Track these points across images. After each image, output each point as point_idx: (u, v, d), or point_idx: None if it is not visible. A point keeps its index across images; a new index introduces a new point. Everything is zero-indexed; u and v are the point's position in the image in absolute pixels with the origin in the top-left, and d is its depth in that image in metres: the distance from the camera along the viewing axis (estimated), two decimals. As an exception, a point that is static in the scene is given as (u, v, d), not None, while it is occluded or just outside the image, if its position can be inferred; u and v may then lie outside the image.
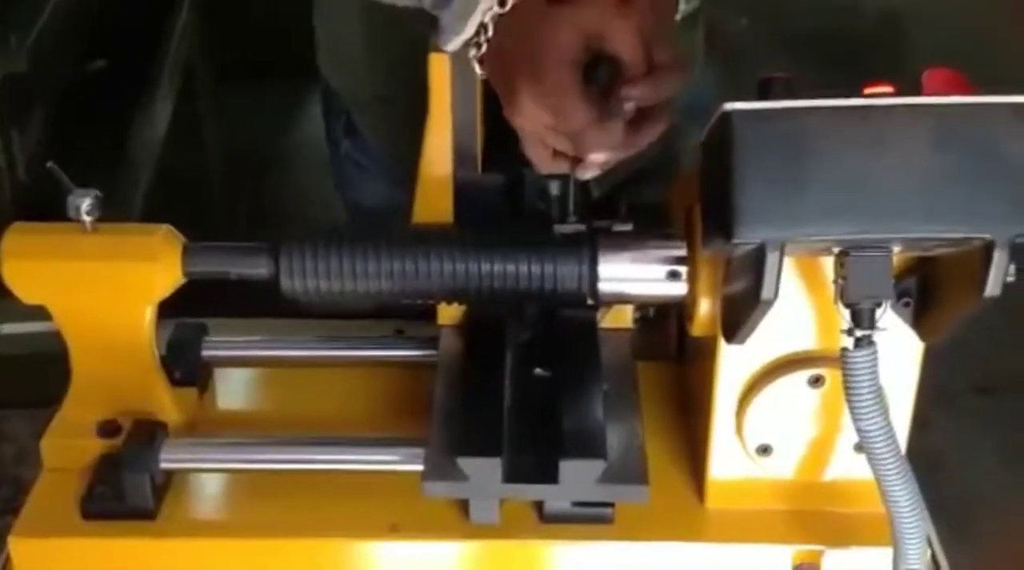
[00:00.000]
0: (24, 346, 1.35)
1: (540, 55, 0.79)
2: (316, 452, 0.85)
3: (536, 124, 0.82)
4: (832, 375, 0.80)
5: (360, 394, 0.96)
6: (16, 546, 0.84)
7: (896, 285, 0.75)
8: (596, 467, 0.79)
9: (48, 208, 0.85)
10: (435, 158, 0.89)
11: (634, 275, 0.84)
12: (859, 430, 0.75)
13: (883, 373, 0.75)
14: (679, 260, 0.84)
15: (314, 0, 1.19)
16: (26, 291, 0.85)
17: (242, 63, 2.69)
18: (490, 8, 0.80)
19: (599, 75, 0.81)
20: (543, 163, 0.85)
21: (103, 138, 1.78)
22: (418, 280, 0.84)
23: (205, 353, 0.95)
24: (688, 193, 0.82)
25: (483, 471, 0.79)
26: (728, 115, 0.67)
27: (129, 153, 1.87)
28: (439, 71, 0.86)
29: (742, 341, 0.77)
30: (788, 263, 0.74)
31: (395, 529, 0.84)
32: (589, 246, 0.84)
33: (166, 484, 0.86)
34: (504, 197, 0.91)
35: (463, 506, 0.84)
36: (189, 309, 0.94)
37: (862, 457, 0.77)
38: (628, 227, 0.86)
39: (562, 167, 0.85)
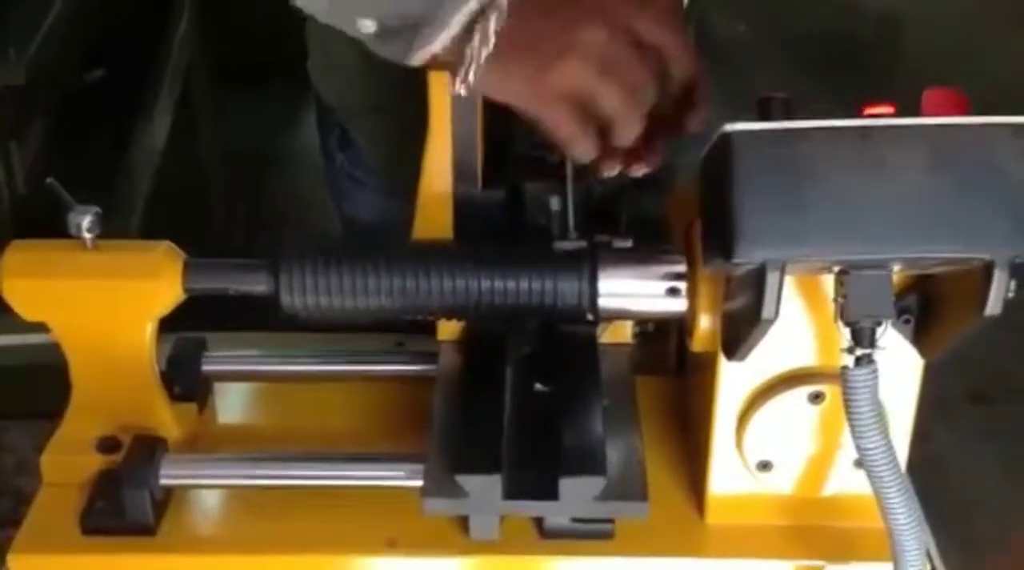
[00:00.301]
0: (23, 357, 1.35)
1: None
2: (315, 468, 0.85)
3: (588, 80, 0.76)
4: (832, 391, 0.80)
5: (360, 409, 0.96)
6: (16, 562, 0.84)
7: (897, 302, 0.76)
8: (596, 484, 0.79)
9: (47, 220, 0.85)
10: (435, 174, 0.89)
11: (634, 291, 0.84)
12: (859, 447, 0.75)
13: (883, 389, 0.75)
14: (679, 276, 0.84)
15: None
16: (26, 309, 0.85)
17: (241, 67, 2.70)
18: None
19: None
20: (575, 139, 0.79)
21: (103, 147, 1.78)
22: (418, 297, 0.84)
23: (205, 368, 0.95)
24: (687, 207, 0.82)
25: (483, 488, 0.79)
26: (728, 136, 0.67)
27: (129, 160, 1.88)
28: (439, 87, 0.86)
29: (742, 358, 0.77)
30: (789, 280, 0.74)
31: (393, 544, 0.84)
32: (589, 262, 0.84)
33: (166, 500, 0.86)
34: (504, 213, 0.91)
35: (462, 521, 0.84)
36: (188, 321, 0.94)
37: (862, 472, 0.78)
38: (628, 243, 0.86)
39: (590, 146, 0.80)
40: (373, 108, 1.13)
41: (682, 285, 0.83)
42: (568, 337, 0.90)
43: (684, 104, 0.83)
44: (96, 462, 0.87)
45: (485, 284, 0.83)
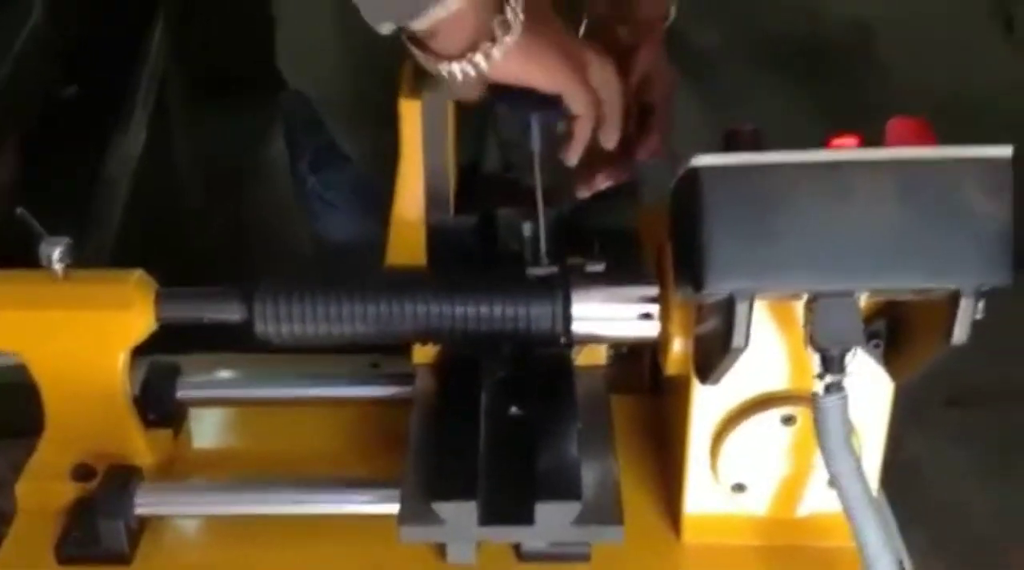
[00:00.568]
0: (-2, 377, 1.34)
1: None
2: (291, 496, 0.85)
3: (597, 72, 0.87)
4: (804, 414, 0.81)
5: (336, 432, 0.97)
6: (-9, 591, 0.84)
7: (866, 327, 0.76)
8: (572, 509, 0.79)
9: (23, 242, 0.85)
10: (407, 203, 0.89)
11: (607, 316, 0.85)
12: (830, 472, 0.76)
13: (854, 409, 0.76)
14: (651, 300, 0.84)
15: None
16: (-2, 340, 0.85)
17: (216, 77, 2.68)
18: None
19: None
20: (594, 108, 0.87)
21: (78, 162, 1.77)
22: (392, 324, 0.84)
23: (179, 394, 0.95)
24: (658, 225, 0.82)
25: (459, 515, 0.79)
26: (695, 170, 0.67)
27: (105, 173, 1.87)
28: (410, 115, 0.86)
29: (715, 382, 0.78)
30: (761, 305, 0.74)
31: (372, 570, 0.84)
32: (562, 288, 0.85)
33: (141, 528, 0.86)
34: (477, 238, 0.91)
35: (439, 546, 0.85)
36: (162, 342, 0.94)
37: (835, 492, 0.78)
38: (600, 267, 0.87)
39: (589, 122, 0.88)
40: (350, 95, 1.11)
41: (654, 309, 0.84)
42: (543, 360, 0.90)
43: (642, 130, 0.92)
44: (71, 490, 0.87)
45: (459, 311, 0.84)
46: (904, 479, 0.95)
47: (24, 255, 0.85)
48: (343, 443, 0.96)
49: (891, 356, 0.78)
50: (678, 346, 0.82)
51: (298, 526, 0.86)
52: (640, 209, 0.96)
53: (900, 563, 0.83)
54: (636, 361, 0.98)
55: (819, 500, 0.85)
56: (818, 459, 0.79)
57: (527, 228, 0.88)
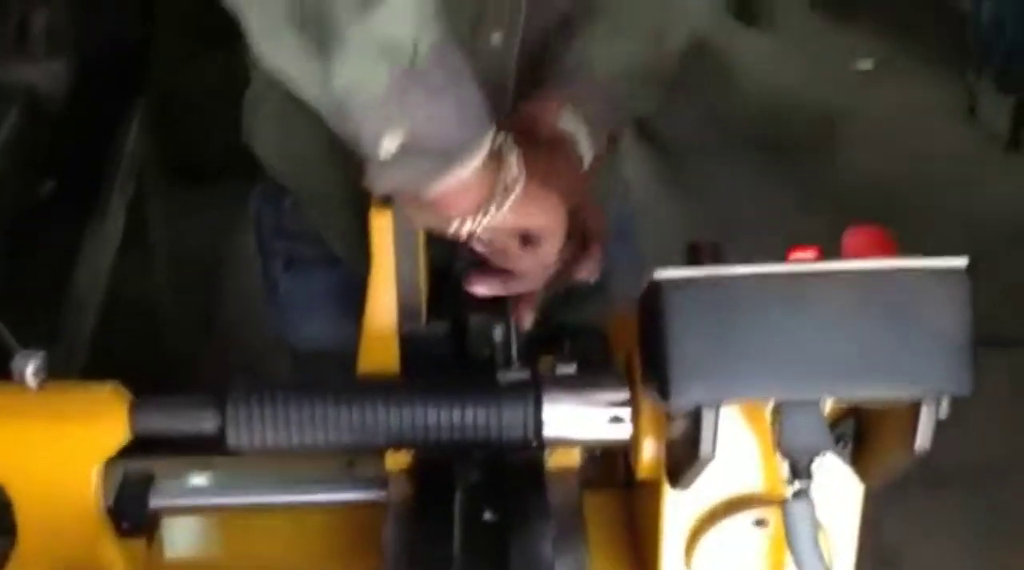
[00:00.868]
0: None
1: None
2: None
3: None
4: (776, 516, 0.81)
5: (311, 538, 0.96)
6: None
7: (833, 428, 0.77)
8: (546, 615, 0.79)
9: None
10: (378, 311, 0.90)
11: (578, 420, 0.86)
12: (802, 576, 0.76)
13: (825, 509, 0.77)
14: (622, 403, 0.85)
15: (247, 105, 1.15)
16: (-29, 453, 0.85)
17: (191, 166, 2.71)
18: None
19: None
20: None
21: (54, 257, 1.78)
22: (365, 433, 0.84)
23: (152, 503, 0.95)
24: (627, 328, 0.83)
25: (434, 623, 0.79)
26: (658, 284, 0.68)
27: (80, 271, 1.87)
28: (381, 228, 0.87)
29: (686, 487, 0.79)
30: (731, 410, 0.75)
31: None
32: (533, 392, 0.86)
33: (115, 640, 0.86)
34: (448, 345, 0.92)
35: (416, 652, 0.84)
36: (133, 445, 0.93)
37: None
38: (571, 369, 0.87)
39: None
40: (333, 196, 1.11)
41: (626, 413, 0.85)
42: (516, 464, 0.90)
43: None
44: (44, 604, 0.87)
45: (431, 419, 0.84)
46: (887, 562, 0.95)
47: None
48: (318, 549, 0.96)
49: (860, 456, 0.79)
50: (649, 449, 0.83)
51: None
52: (610, 309, 0.98)
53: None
54: (610, 457, 0.99)
55: (794, 601, 0.85)
56: (791, 562, 0.79)
57: (498, 332, 0.88)
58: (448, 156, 0.78)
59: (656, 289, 0.69)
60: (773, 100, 3.22)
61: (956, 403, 0.71)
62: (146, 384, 0.89)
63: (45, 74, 1.91)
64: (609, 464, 1.00)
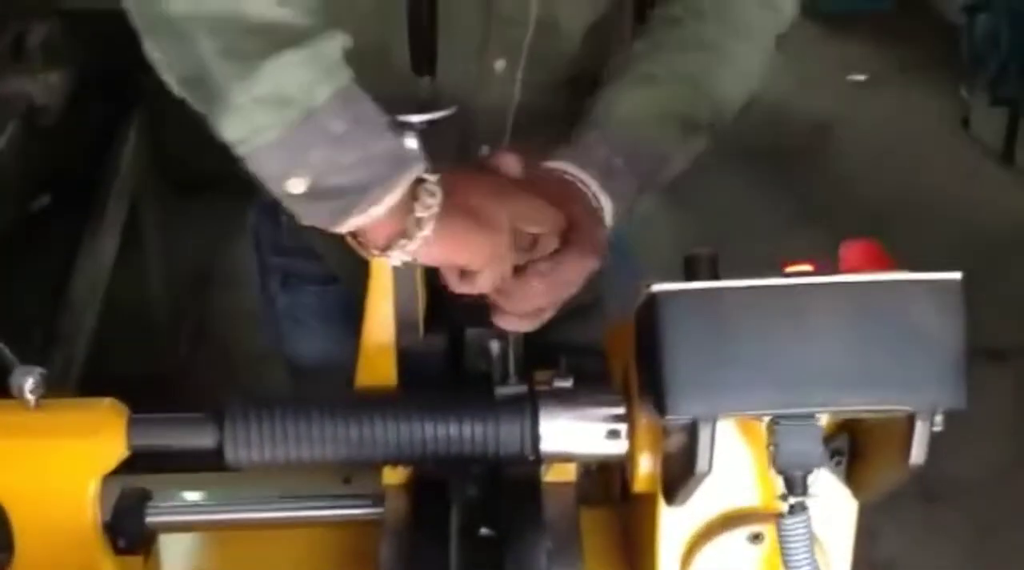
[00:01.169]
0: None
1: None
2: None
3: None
4: (772, 531, 0.81)
5: (307, 554, 0.96)
6: None
7: (828, 443, 0.77)
8: (541, 630, 0.79)
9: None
10: (376, 329, 0.90)
11: (575, 435, 0.86)
12: (797, 590, 0.76)
13: (820, 523, 0.77)
14: (619, 418, 0.85)
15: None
16: (-32, 470, 0.85)
17: (186, 178, 2.70)
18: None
19: None
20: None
21: (50, 273, 1.78)
22: (362, 447, 0.85)
23: (149, 519, 0.95)
24: (624, 342, 0.84)
25: (429, 640, 0.79)
26: (654, 297, 0.69)
27: (76, 283, 1.87)
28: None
29: (682, 503, 0.79)
30: (726, 425, 0.75)
31: None
32: (530, 406, 0.86)
33: (111, 657, 0.85)
34: (445, 359, 0.93)
35: (412, 668, 0.84)
36: (131, 460, 0.93)
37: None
38: (568, 383, 0.88)
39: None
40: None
41: (622, 427, 0.85)
42: (512, 478, 0.91)
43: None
44: (40, 621, 0.86)
45: (429, 433, 0.85)
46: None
47: None
48: (315, 565, 0.96)
49: (854, 472, 0.80)
50: (646, 463, 0.83)
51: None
52: (606, 324, 0.98)
53: None
54: (607, 471, 0.99)
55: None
56: (788, 575, 0.80)
57: (495, 347, 0.89)
58: (356, 198, 0.78)
59: (652, 302, 0.69)
60: (768, 110, 3.23)
61: (952, 416, 0.71)
62: (141, 395, 0.90)
63: (42, 87, 1.92)
64: (605, 479, 1.00)
